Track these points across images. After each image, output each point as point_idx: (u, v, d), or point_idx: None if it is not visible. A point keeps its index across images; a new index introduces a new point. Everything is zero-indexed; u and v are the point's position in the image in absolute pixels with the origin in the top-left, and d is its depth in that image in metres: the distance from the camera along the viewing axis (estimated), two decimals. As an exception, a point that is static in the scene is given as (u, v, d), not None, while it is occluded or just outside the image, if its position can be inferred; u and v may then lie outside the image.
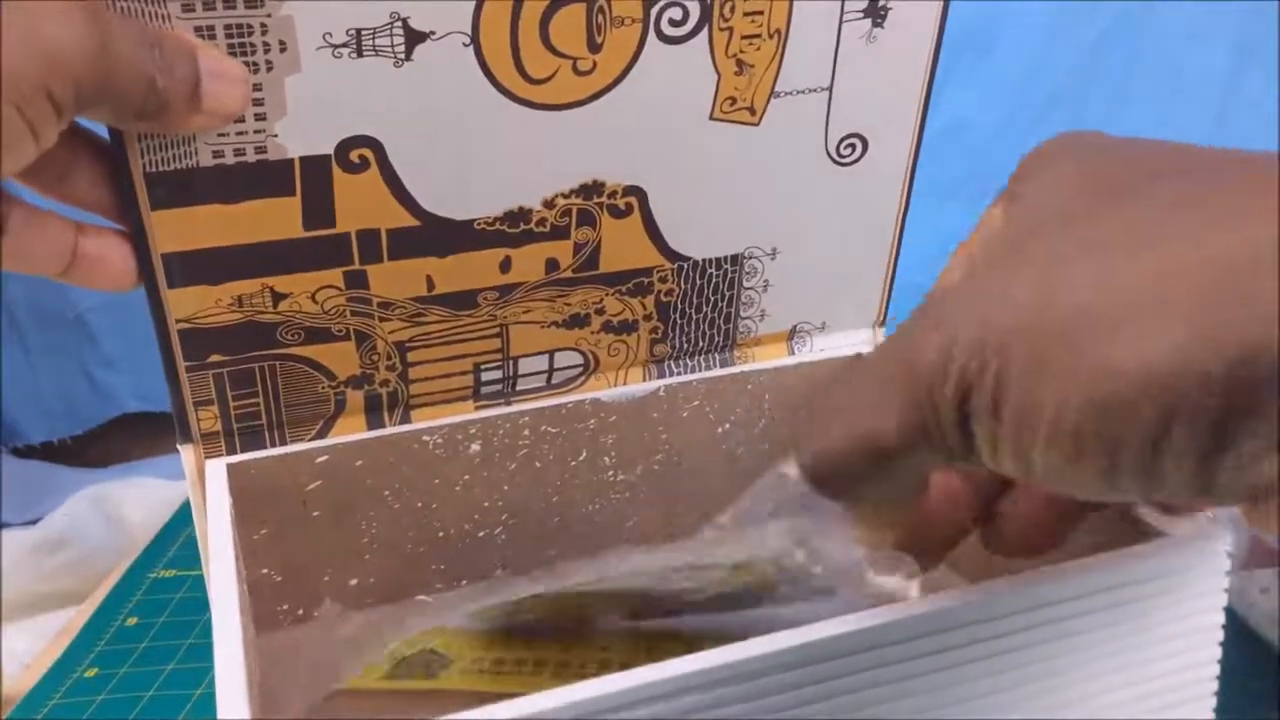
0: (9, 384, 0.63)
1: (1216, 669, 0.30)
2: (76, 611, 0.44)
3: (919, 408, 0.18)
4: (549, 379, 0.39)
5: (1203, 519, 0.29)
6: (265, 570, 0.36)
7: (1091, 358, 0.15)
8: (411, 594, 0.38)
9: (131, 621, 0.41)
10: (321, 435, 0.36)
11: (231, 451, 0.35)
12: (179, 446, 0.35)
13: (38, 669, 0.39)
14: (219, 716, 0.24)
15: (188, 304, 0.32)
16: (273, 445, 0.36)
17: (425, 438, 0.37)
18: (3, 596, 0.46)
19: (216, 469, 0.34)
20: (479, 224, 0.34)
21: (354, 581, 0.38)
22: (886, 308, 0.42)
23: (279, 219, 0.31)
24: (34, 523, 0.52)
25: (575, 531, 0.40)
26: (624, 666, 0.27)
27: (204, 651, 0.39)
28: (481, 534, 0.39)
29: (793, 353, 0.42)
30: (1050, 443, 0.16)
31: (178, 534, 0.47)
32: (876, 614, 0.25)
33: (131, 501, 0.51)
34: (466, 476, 0.38)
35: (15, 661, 0.41)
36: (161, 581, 0.44)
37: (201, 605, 0.41)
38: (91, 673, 0.38)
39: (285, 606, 0.37)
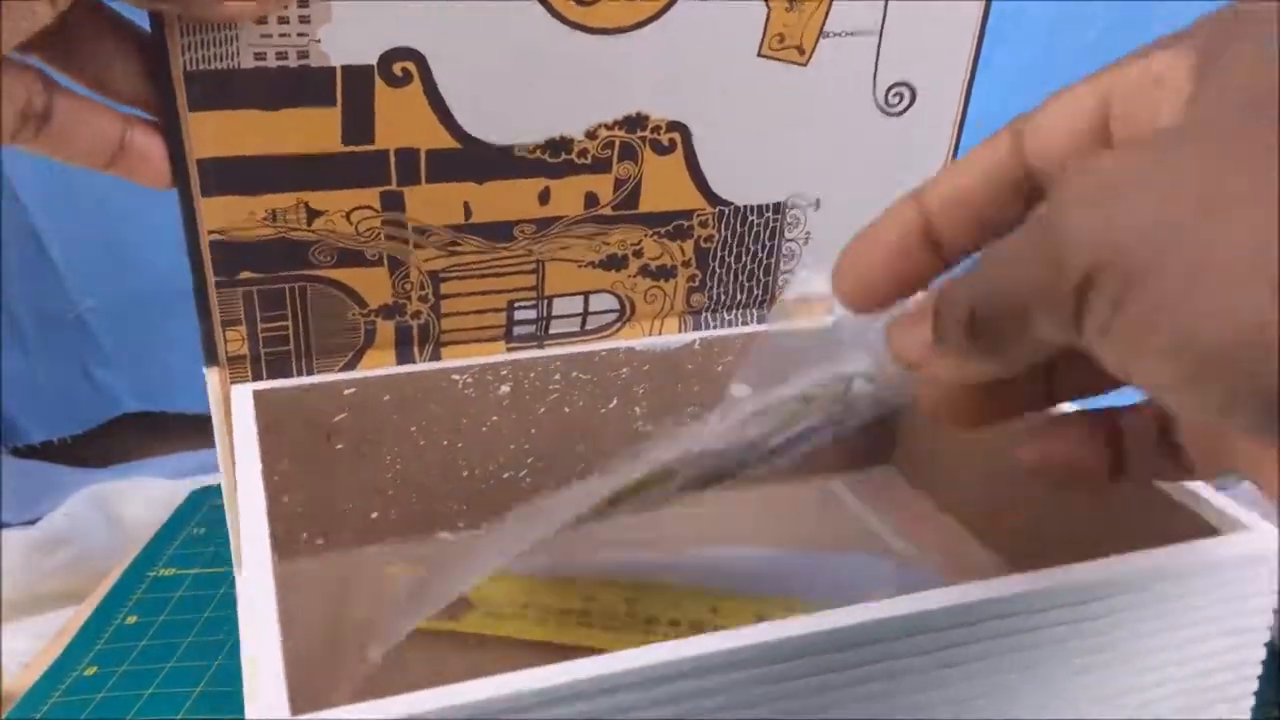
0: (9, 384, 0.62)
1: (1259, 669, 0.29)
2: (76, 610, 0.43)
3: (1049, 265, 0.16)
4: (583, 323, 0.38)
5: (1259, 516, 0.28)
6: (286, 499, 0.36)
7: (1246, 311, 0.14)
8: (433, 530, 0.38)
9: (131, 620, 0.41)
10: (350, 367, 0.36)
11: (258, 378, 0.35)
12: (205, 370, 0.35)
13: (37, 668, 0.39)
14: (245, 649, 0.23)
15: (221, 214, 0.31)
16: (300, 374, 0.35)
17: (455, 376, 0.36)
18: (3, 596, 0.46)
19: (243, 394, 0.34)
20: (519, 151, 0.33)
21: (375, 515, 0.37)
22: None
23: (317, 131, 0.31)
24: (34, 522, 0.51)
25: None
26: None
27: (204, 650, 0.39)
28: (506, 475, 0.38)
29: (833, 312, 0.41)
30: (1165, 358, 0.15)
31: (177, 533, 0.47)
32: (914, 600, 0.24)
33: (131, 501, 0.51)
34: (495, 418, 0.37)
35: (15, 660, 0.41)
36: (161, 580, 0.43)
37: (201, 604, 0.42)
38: (91, 671, 0.38)
39: (304, 535, 0.36)
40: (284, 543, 0.36)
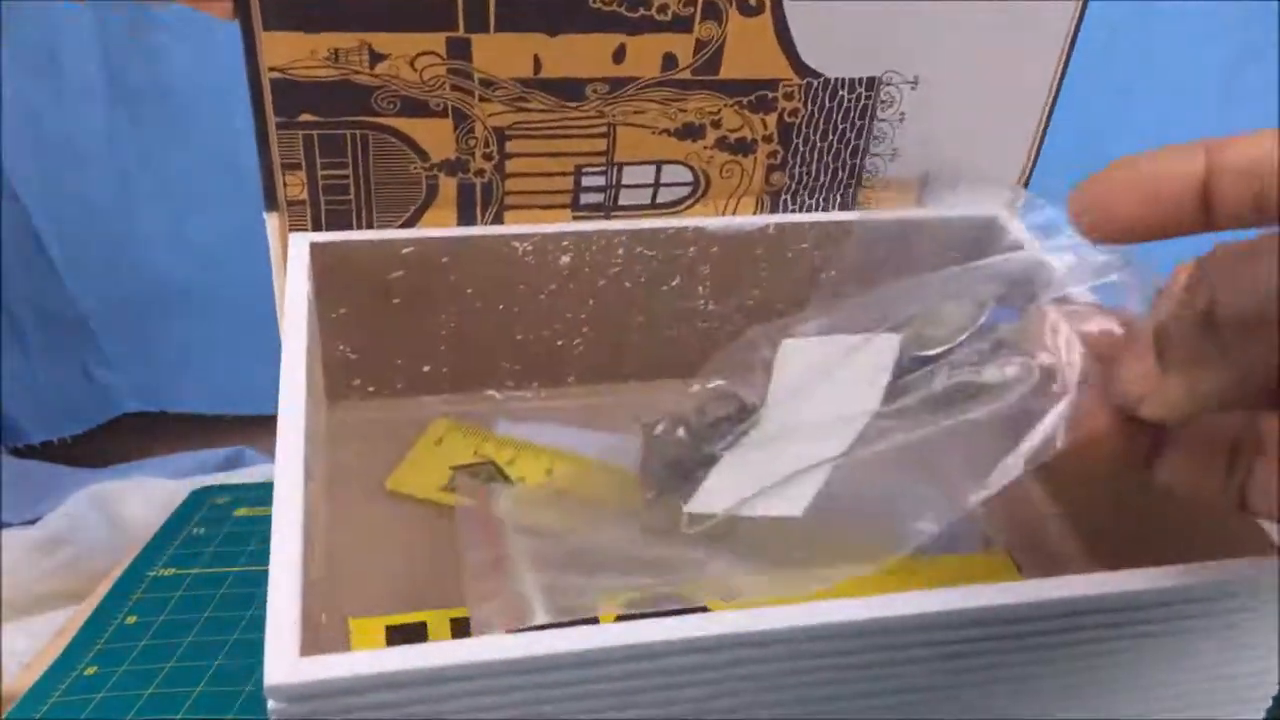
0: (9, 384, 0.62)
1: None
2: (76, 610, 0.43)
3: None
4: (654, 196, 0.36)
5: None
6: (341, 347, 0.36)
7: None
8: (482, 388, 0.37)
9: (131, 620, 0.40)
10: (410, 224, 0.35)
11: (317, 226, 0.34)
12: (264, 215, 0.34)
13: (37, 667, 0.39)
14: (277, 488, 0.23)
15: (282, 50, 0.30)
16: (360, 227, 0.35)
17: (515, 243, 0.35)
18: (3, 596, 0.46)
19: (300, 243, 0.33)
20: (594, 1, 0.31)
21: (426, 369, 0.37)
22: (1032, 168, 0.38)
23: None
24: (34, 522, 0.52)
25: (652, 352, 0.38)
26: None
27: (204, 650, 0.39)
28: (560, 343, 0.37)
29: (921, 203, 0.38)
30: None
31: (177, 533, 0.46)
32: (967, 594, 0.22)
33: (131, 501, 0.51)
34: (553, 286, 0.36)
35: (15, 660, 0.41)
36: (161, 580, 0.43)
37: (201, 604, 0.41)
38: (91, 671, 0.38)
39: (357, 382, 0.36)
40: (334, 388, 0.36)
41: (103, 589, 0.43)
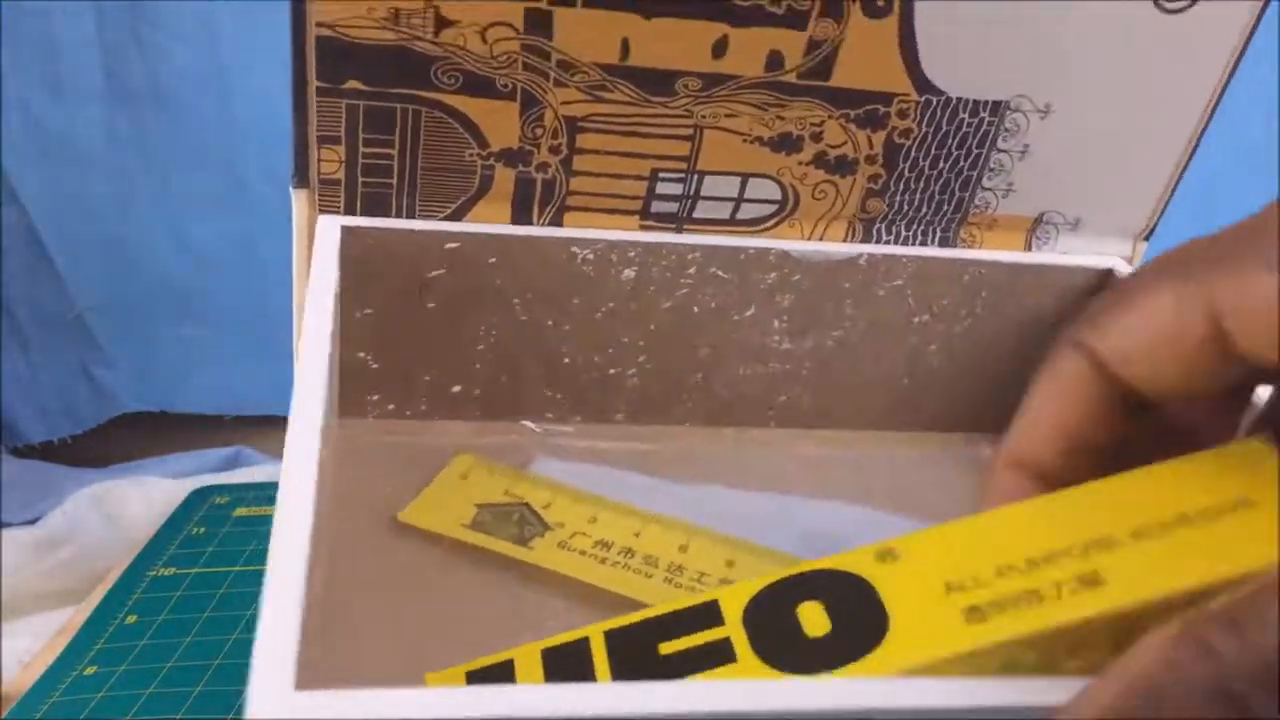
0: (9, 384, 0.62)
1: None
2: (76, 610, 0.43)
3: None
4: (734, 211, 0.32)
5: None
6: (361, 354, 0.31)
7: None
8: (518, 417, 0.33)
9: (131, 620, 0.40)
10: (457, 216, 0.30)
11: (351, 211, 0.30)
12: (291, 191, 0.29)
13: (37, 667, 0.38)
14: (280, 500, 0.19)
15: (335, 4, 0.26)
16: (399, 215, 0.30)
17: (575, 249, 0.31)
18: (3, 596, 0.46)
19: (330, 227, 0.29)
20: (702, -18, 0.26)
21: (457, 388, 0.32)
22: (1159, 219, 0.34)
23: None
24: (34, 522, 0.51)
25: (717, 393, 0.34)
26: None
27: (204, 649, 0.38)
28: (612, 371, 0.32)
29: (1030, 247, 0.34)
30: None
31: (177, 532, 0.46)
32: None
33: (131, 501, 0.51)
34: (611, 304, 0.32)
35: (15, 660, 0.40)
36: (161, 580, 0.43)
37: (201, 604, 0.41)
38: (91, 671, 0.38)
39: (376, 396, 0.32)
40: (348, 401, 0.32)
41: (103, 589, 0.43)
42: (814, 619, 0.19)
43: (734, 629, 0.19)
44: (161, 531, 0.46)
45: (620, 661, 0.19)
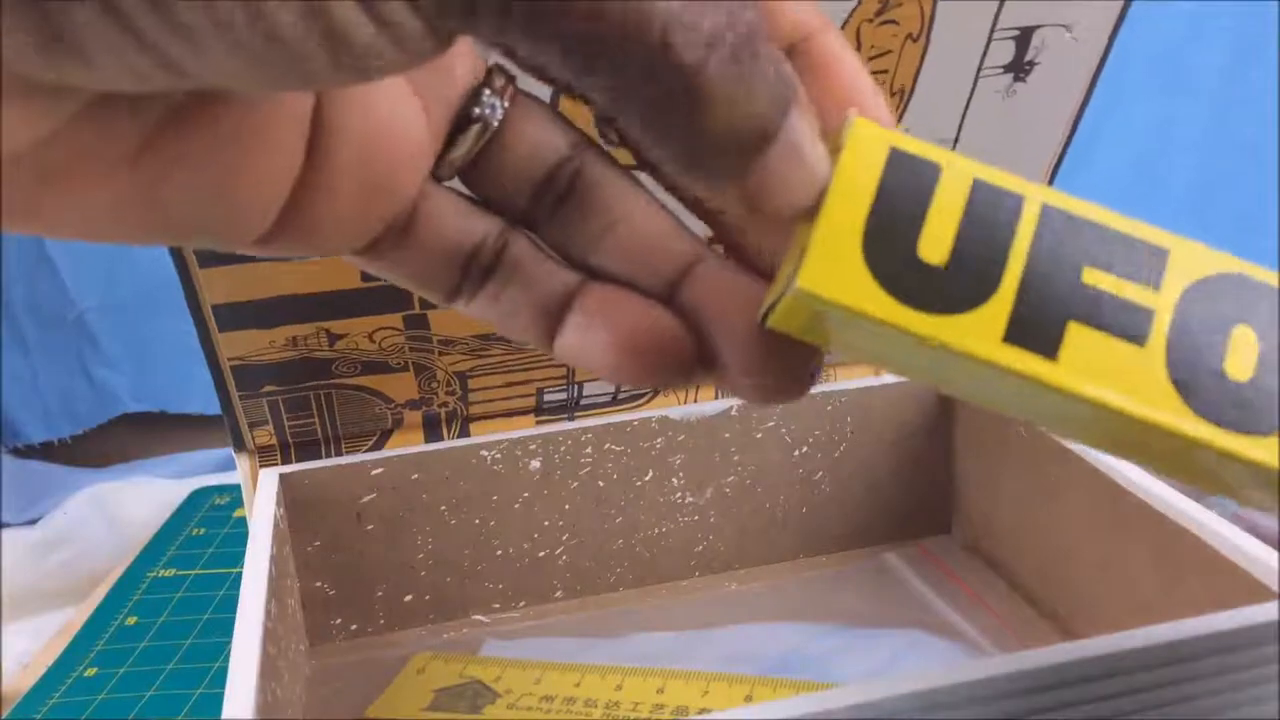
0: (9, 384, 0.63)
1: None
2: (76, 611, 0.43)
3: None
4: (615, 395, 0.37)
5: None
6: (319, 583, 0.35)
7: None
8: (468, 613, 0.36)
9: (131, 621, 0.41)
10: (377, 448, 0.35)
11: (287, 462, 0.35)
12: (234, 454, 0.35)
13: (37, 668, 0.39)
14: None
15: (240, 344, 0.32)
16: (328, 456, 0.35)
17: (484, 452, 0.35)
18: (3, 596, 0.46)
19: (269, 479, 0.34)
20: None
21: (408, 598, 0.36)
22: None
23: (337, 272, 0.31)
24: (34, 522, 0.52)
25: (640, 554, 0.37)
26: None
27: (204, 650, 0.38)
28: (541, 554, 0.36)
29: (879, 373, 0.39)
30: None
31: (177, 533, 0.47)
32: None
33: (131, 501, 0.51)
34: (526, 494, 0.36)
35: (15, 661, 0.41)
36: (161, 581, 0.43)
37: (201, 604, 0.41)
38: (91, 672, 0.38)
39: (338, 620, 0.35)
40: (315, 629, 0.35)
41: (103, 589, 0.43)
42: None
43: None
44: (161, 532, 0.46)
45: None
